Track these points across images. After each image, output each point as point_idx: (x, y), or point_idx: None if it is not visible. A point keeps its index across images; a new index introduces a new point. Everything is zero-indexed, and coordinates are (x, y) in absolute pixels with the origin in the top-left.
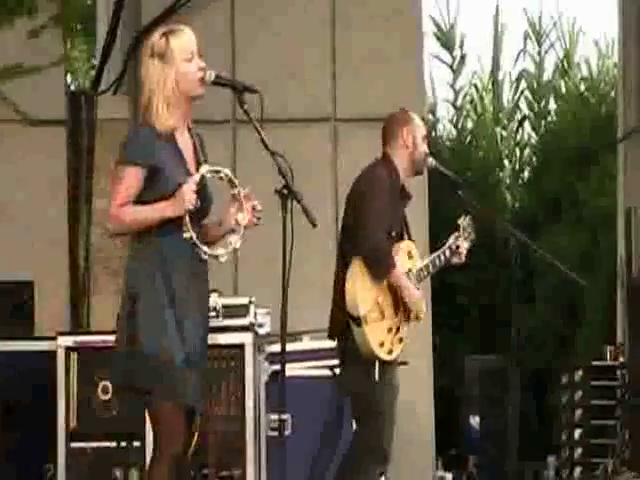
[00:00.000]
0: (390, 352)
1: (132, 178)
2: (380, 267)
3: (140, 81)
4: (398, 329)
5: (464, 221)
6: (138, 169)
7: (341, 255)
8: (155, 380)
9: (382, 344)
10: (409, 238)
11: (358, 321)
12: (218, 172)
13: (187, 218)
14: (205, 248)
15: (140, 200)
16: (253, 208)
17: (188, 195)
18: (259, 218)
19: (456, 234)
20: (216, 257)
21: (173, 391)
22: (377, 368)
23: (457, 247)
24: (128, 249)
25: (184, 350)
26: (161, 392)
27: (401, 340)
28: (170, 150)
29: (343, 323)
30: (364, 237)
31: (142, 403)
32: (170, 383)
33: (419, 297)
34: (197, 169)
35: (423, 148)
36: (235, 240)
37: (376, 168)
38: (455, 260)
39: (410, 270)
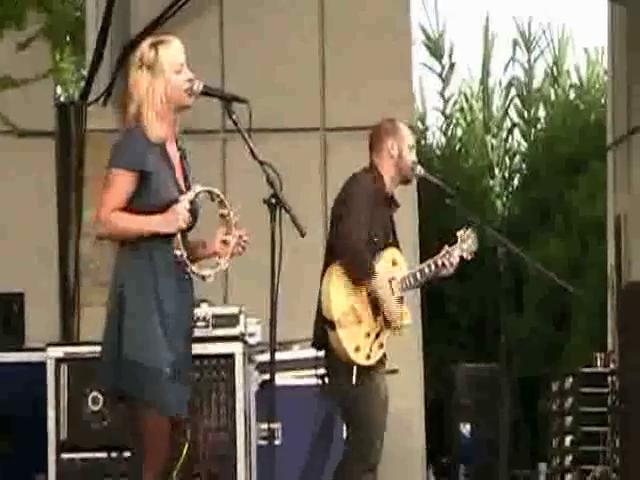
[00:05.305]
0: (368, 357)
1: (124, 184)
2: (360, 269)
3: (128, 91)
4: (378, 335)
5: (464, 233)
6: (130, 174)
7: (326, 264)
8: (141, 388)
9: (358, 349)
10: (397, 246)
11: (332, 325)
12: (211, 193)
13: (179, 237)
14: (193, 267)
15: (130, 206)
16: (240, 237)
17: (182, 214)
18: (244, 248)
19: (447, 248)
20: (203, 277)
21: (158, 401)
22: (354, 373)
23: (448, 258)
24: (117, 257)
25: (171, 360)
26: (147, 401)
27: (381, 346)
28: (160, 159)
29: (324, 331)
30: (344, 241)
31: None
32: (156, 393)
33: (397, 312)
34: (185, 179)
35: (410, 157)
36: (223, 262)
37: (360, 177)
38: (444, 272)
39: (394, 278)
